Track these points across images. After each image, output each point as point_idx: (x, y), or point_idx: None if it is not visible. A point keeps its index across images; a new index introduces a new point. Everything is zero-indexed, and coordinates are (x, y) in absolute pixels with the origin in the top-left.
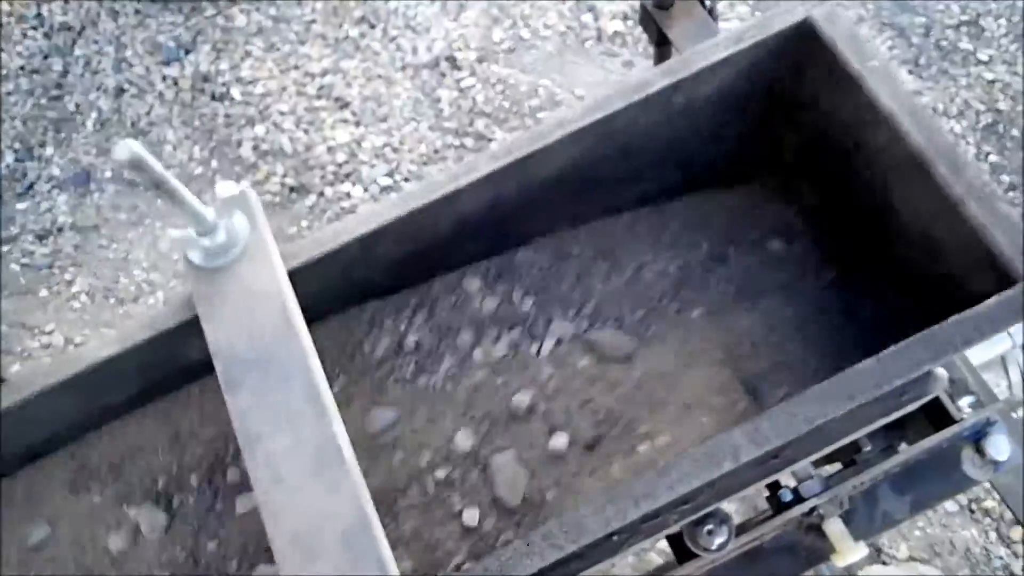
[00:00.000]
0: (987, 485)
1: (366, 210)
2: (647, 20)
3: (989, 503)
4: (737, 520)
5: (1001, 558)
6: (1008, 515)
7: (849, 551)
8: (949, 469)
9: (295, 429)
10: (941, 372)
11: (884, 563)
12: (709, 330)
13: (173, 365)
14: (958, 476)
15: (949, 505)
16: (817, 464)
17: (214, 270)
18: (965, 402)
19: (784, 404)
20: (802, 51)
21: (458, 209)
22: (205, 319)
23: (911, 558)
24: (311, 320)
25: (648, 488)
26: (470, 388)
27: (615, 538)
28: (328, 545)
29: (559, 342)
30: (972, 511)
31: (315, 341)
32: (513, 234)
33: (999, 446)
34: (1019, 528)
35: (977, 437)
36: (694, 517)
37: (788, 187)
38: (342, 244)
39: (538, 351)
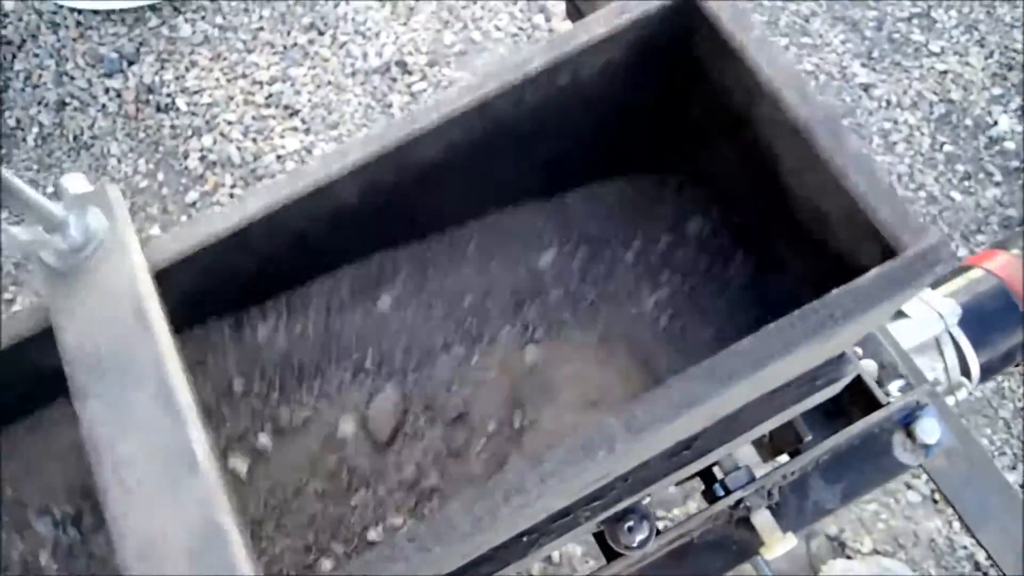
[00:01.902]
0: None
1: (232, 203)
2: (573, 13)
3: None
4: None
5: (965, 548)
6: None
7: (778, 543)
8: (880, 456)
9: (146, 436)
10: (856, 354)
11: (848, 557)
12: (616, 323)
13: (38, 375)
14: (889, 462)
15: (912, 496)
16: (766, 459)
17: (68, 271)
18: (895, 386)
19: (660, 389)
20: (686, 24)
21: (331, 201)
22: (57, 323)
23: (875, 551)
24: (181, 325)
25: (518, 481)
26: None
27: (524, 539)
28: (175, 559)
29: (454, 343)
30: (935, 501)
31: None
32: (398, 228)
33: (929, 429)
34: None
35: (907, 421)
36: (609, 514)
37: (691, 167)
38: (208, 238)
39: (430, 353)
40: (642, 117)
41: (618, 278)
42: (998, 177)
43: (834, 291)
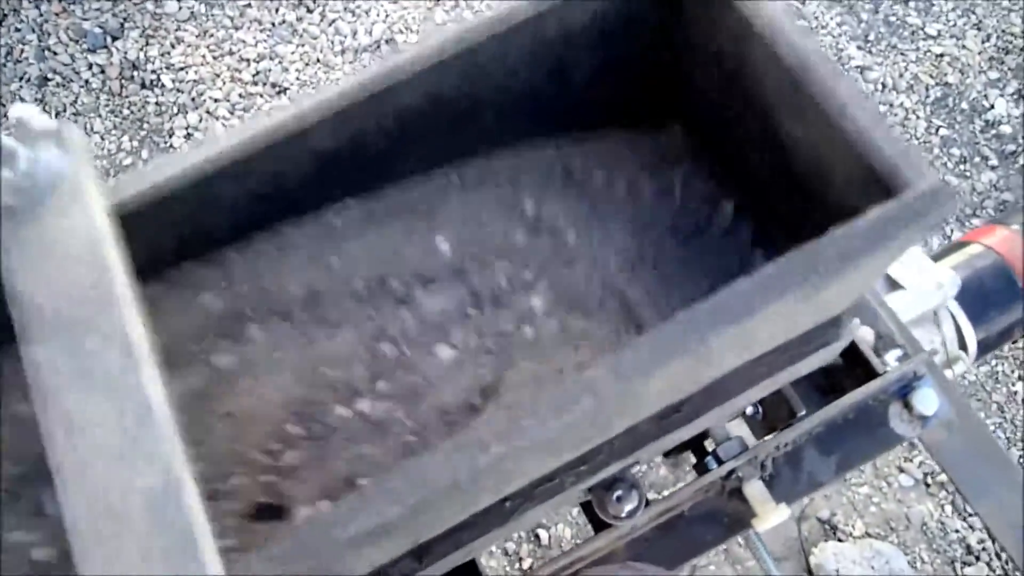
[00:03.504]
0: None
1: (202, 144)
2: None
3: (944, 476)
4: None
5: (957, 531)
6: None
7: (771, 514)
8: (875, 427)
9: (99, 385)
10: (853, 322)
11: (840, 540)
12: (602, 280)
13: None
14: (885, 434)
15: (904, 480)
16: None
17: (19, 209)
18: (892, 356)
19: (645, 336)
20: None
21: (306, 144)
22: (7, 265)
23: (867, 534)
24: (147, 272)
25: (500, 428)
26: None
27: (507, 504)
28: (131, 515)
29: (438, 285)
30: (928, 485)
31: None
32: (382, 174)
33: (926, 400)
34: None
35: (904, 392)
36: (596, 479)
37: (684, 118)
38: (176, 178)
39: (408, 295)
40: (632, 67)
41: (609, 232)
42: (994, 161)
43: (832, 231)
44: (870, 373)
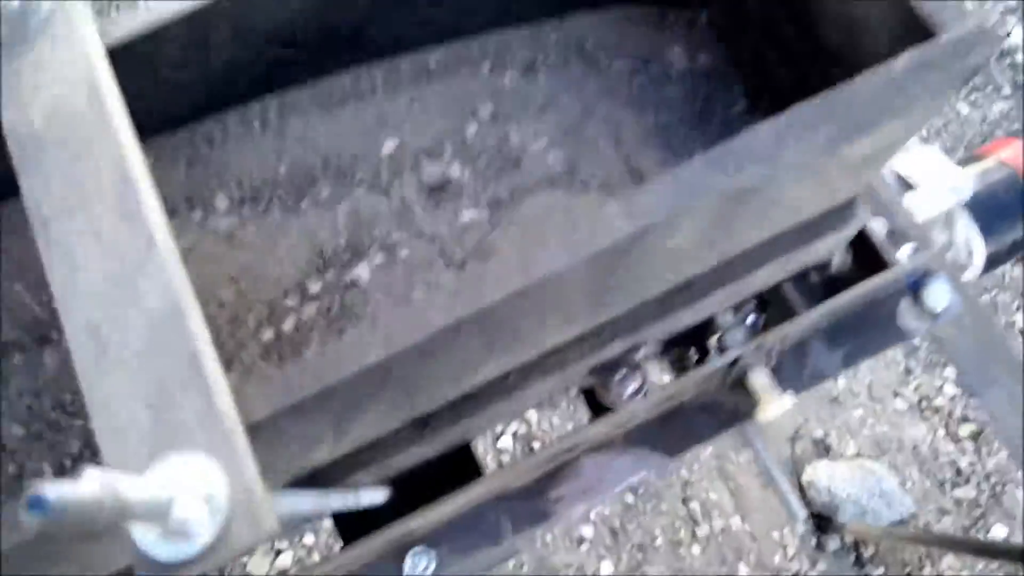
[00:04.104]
0: (936, 383)
1: None
2: None
3: (939, 401)
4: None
5: (948, 454)
6: (957, 412)
7: (774, 403)
8: (885, 321)
9: (97, 210)
10: (864, 209)
11: (832, 460)
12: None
13: None
14: (894, 328)
15: (899, 403)
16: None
17: (10, 40)
18: (904, 251)
19: (664, 176)
20: None
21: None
22: (4, 97)
23: (859, 455)
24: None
25: (503, 273)
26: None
27: (509, 378)
28: (131, 337)
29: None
30: (922, 409)
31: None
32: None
33: (938, 295)
34: (968, 425)
35: (915, 287)
36: (599, 359)
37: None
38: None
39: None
40: None
41: (616, 118)
42: (1007, 91)
43: (863, 74)
44: (881, 265)
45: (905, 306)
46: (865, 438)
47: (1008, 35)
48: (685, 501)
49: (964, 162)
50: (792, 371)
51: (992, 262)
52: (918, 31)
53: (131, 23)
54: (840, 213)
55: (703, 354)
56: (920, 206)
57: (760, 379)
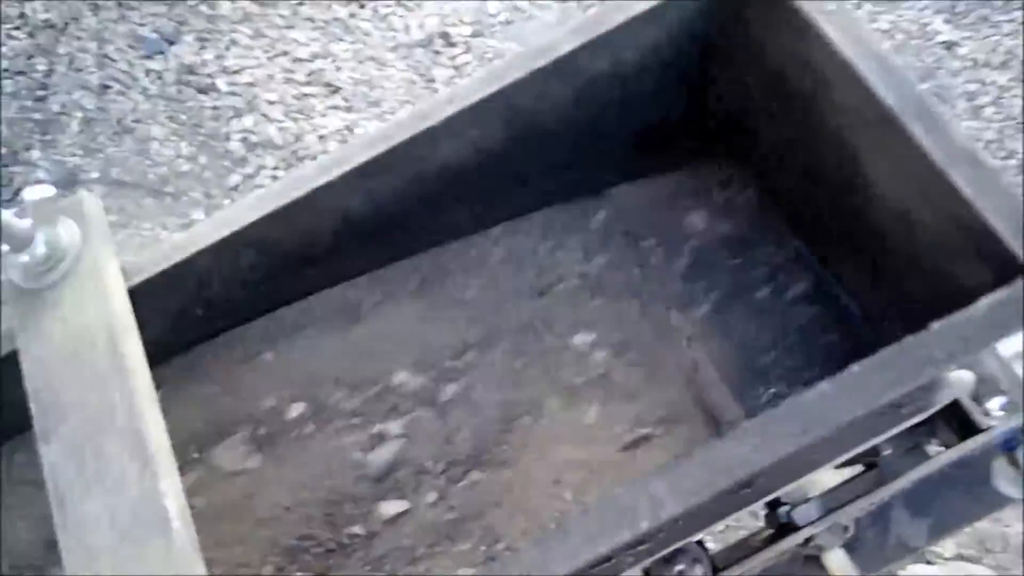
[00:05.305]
0: None
1: (221, 214)
2: None
3: None
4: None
5: None
6: None
7: None
8: (976, 485)
9: (111, 489)
10: (956, 377)
11: (929, 562)
12: (657, 349)
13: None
14: (987, 493)
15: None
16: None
17: (37, 292)
18: (995, 404)
19: (708, 447)
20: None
21: (332, 209)
22: (24, 352)
23: (959, 556)
24: (160, 353)
25: (543, 555)
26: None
27: None
28: None
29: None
30: None
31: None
32: (405, 239)
33: None
34: None
35: (1011, 447)
36: (657, 556)
37: (733, 166)
38: (191, 256)
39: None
40: (679, 106)
41: (656, 295)
42: None
43: (935, 325)
44: (970, 426)
45: (1000, 467)
46: (966, 536)
47: None
48: None
49: None
50: (873, 544)
51: None
52: (987, 255)
53: (155, 266)
54: (921, 391)
55: (773, 505)
56: (1009, 341)
57: (837, 560)
